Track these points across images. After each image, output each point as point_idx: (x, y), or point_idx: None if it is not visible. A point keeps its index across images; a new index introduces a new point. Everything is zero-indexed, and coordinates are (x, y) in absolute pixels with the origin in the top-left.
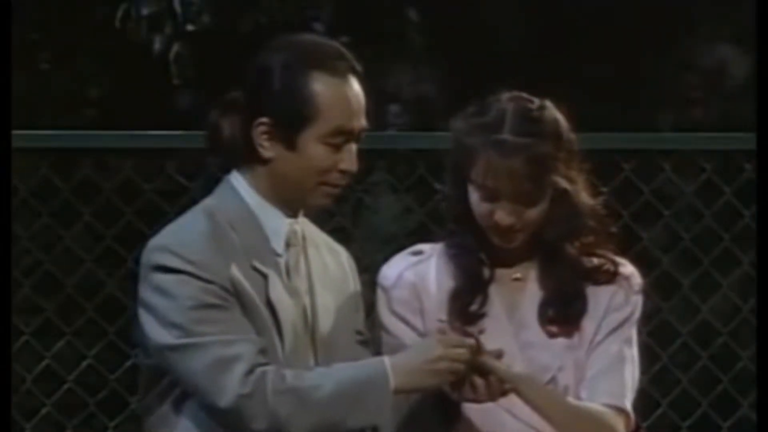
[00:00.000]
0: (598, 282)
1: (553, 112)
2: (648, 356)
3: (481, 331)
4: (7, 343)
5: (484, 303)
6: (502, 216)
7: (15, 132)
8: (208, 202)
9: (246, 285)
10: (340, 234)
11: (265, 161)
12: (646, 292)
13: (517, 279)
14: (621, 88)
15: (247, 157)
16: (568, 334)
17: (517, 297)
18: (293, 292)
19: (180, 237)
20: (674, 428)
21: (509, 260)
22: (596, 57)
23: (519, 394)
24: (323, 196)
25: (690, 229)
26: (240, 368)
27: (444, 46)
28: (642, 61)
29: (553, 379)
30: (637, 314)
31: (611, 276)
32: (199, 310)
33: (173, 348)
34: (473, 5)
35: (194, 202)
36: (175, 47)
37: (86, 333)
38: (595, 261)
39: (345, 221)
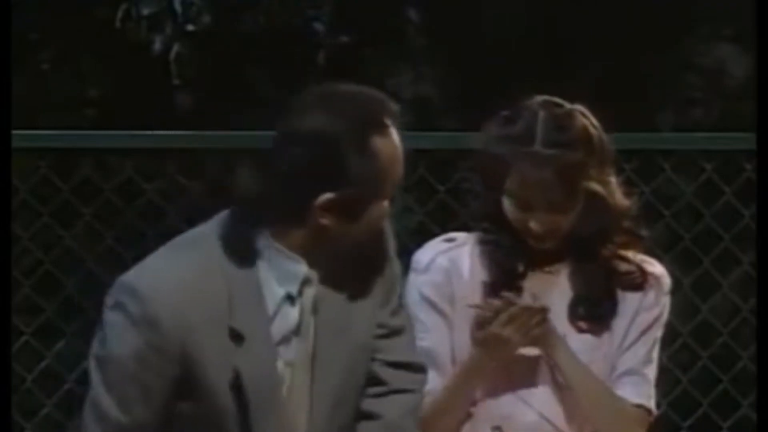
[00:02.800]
0: (624, 289)
1: (582, 117)
2: None
3: None
4: (7, 343)
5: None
6: (536, 225)
7: (15, 132)
8: (204, 230)
9: (208, 353)
10: None
11: (312, 227)
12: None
13: (549, 272)
14: (621, 88)
15: (281, 219)
16: (597, 332)
17: (546, 287)
18: (304, 333)
19: (153, 280)
20: (675, 428)
21: (543, 257)
22: (596, 57)
23: (553, 353)
24: None
25: (690, 229)
26: None
27: (444, 46)
28: (642, 61)
29: None
30: (666, 315)
31: (637, 286)
32: (121, 374)
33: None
34: (473, 5)
35: (194, 202)
36: (176, 47)
37: (86, 333)
38: (625, 267)
39: None
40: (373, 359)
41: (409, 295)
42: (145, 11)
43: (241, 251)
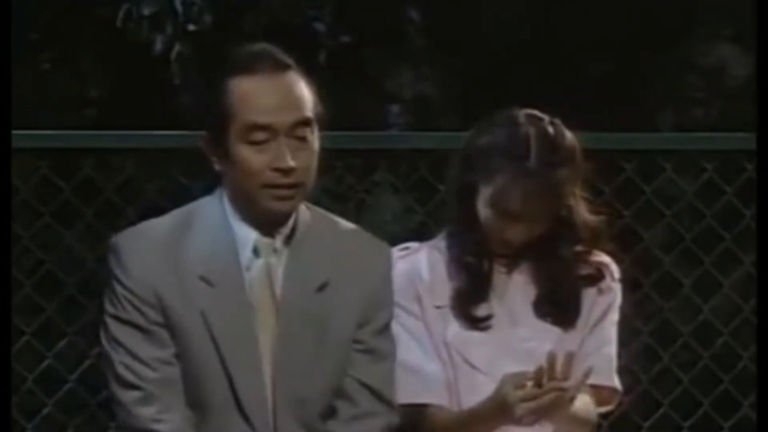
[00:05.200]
0: (584, 287)
1: (569, 134)
2: (649, 356)
3: (486, 328)
4: (7, 343)
5: (489, 307)
6: (515, 234)
7: (15, 132)
8: (195, 203)
9: (177, 297)
10: None
11: (220, 176)
12: (648, 292)
13: (509, 270)
14: (621, 87)
15: (217, 177)
16: (562, 326)
17: (509, 286)
18: (261, 302)
19: (129, 239)
20: (676, 428)
21: (503, 256)
22: (597, 57)
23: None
24: (271, 200)
25: (691, 229)
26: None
27: (444, 46)
28: (642, 61)
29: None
30: (619, 299)
31: (595, 281)
32: (114, 322)
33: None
34: (473, 5)
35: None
36: (177, 47)
37: (87, 333)
38: (585, 270)
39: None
40: (347, 375)
41: None
42: (146, 11)
43: (214, 215)
